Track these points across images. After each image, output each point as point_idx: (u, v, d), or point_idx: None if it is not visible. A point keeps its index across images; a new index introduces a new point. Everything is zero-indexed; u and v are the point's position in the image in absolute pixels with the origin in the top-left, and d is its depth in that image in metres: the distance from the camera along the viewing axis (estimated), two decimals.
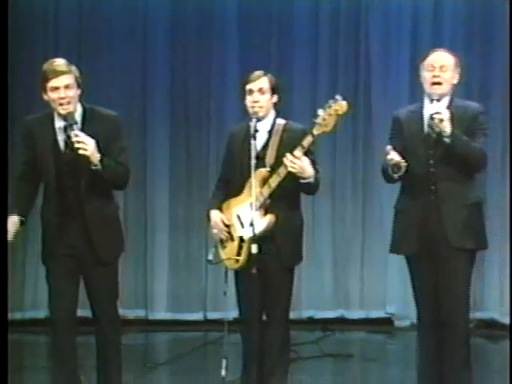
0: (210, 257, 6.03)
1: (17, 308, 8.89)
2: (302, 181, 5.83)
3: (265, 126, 5.97)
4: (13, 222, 5.62)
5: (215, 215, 6.03)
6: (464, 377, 5.85)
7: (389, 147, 5.78)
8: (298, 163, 5.78)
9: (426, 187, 5.82)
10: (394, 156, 5.74)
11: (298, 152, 5.79)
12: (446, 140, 5.76)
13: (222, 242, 6.03)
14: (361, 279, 9.02)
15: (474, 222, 5.88)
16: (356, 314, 9.04)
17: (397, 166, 5.74)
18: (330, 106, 5.82)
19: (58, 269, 5.64)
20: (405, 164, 5.74)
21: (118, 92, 8.81)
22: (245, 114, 6.02)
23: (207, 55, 9.02)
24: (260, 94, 5.94)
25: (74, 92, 5.55)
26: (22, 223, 5.64)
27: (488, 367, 7.48)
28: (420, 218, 5.84)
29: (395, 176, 5.81)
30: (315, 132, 5.82)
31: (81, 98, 5.62)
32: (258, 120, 5.93)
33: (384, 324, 8.93)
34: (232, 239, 5.98)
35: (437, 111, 5.74)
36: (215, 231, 6.03)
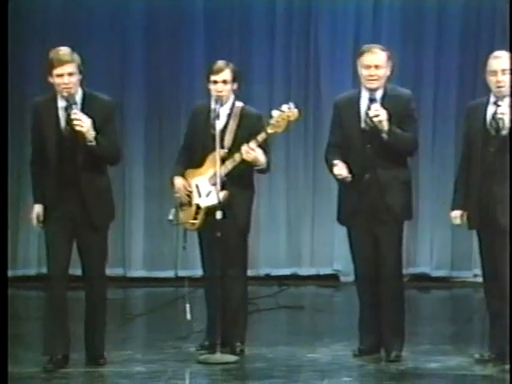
0: (171, 217, 6.13)
1: (11, 266, 8.90)
2: (255, 167, 5.98)
3: (225, 110, 6.05)
4: (36, 210, 5.73)
5: (179, 181, 6.13)
6: (399, 322, 5.95)
7: (336, 161, 5.81)
8: (253, 153, 5.92)
9: (364, 167, 5.86)
10: (341, 172, 5.80)
11: (253, 144, 5.93)
12: (384, 136, 5.81)
13: (181, 205, 6.12)
14: (311, 240, 9.09)
15: (404, 197, 5.95)
16: (307, 270, 9.11)
17: (343, 179, 5.81)
18: (283, 111, 5.93)
19: (56, 231, 5.69)
20: (350, 177, 5.80)
21: (98, 82, 8.79)
22: (208, 95, 6.09)
23: (178, 48, 9.04)
24: (223, 84, 6.02)
25: (76, 78, 5.64)
26: (45, 211, 5.71)
27: (420, 314, 7.64)
28: (357, 193, 5.88)
29: (338, 178, 5.87)
30: (269, 131, 5.96)
31: (81, 83, 5.70)
32: (221, 104, 6.02)
33: (331, 279, 9.00)
34: (190, 204, 6.09)
35: (375, 114, 5.77)
36: (179, 195, 6.13)
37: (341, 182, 5.88)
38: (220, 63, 6.05)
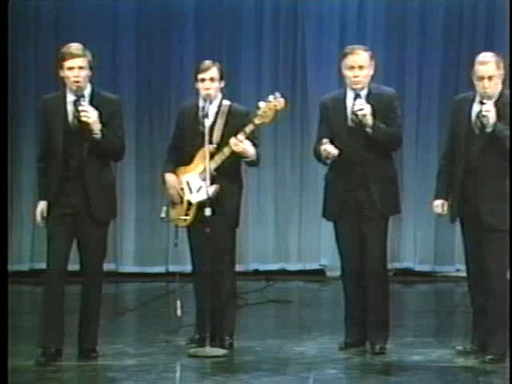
0: (163, 214, 6.10)
1: None
2: (245, 159, 5.93)
3: (213, 107, 6.02)
4: (40, 206, 5.70)
5: (171, 178, 6.09)
6: (383, 316, 5.94)
7: (325, 140, 5.80)
8: (241, 145, 5.88)
9: (351, 164, 5.86)
10: (329, 149, 5.77)
11: (241, 136, 5.88)
12: (369, 130, 5.83)
13: (172, 203, 6.10)
14: (298, 237, 9.08)
15: (390, 192, 5.95)
16: (294, 266, 9.10)
17: (331, 156, 5.78)
18: (269, 101, 5.91)
19: (58, 228, 5.66)
20: (337, 153, 5.77)
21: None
22: (196, 95, 6.06)
23: (168, 48, 9.00)
24: (211, 82, 6.00)
25: (86, 73, 5.65)
26: (48, 206, 5.67)
27: (403, 307, 7.63)
28: (345, 188, 5.89)
29: (328, 161, 5.87)
30: (256, 121, 5.93)
31: (91, 79, 5.71)
32: (209, 102, 5.99)
33: (318, 274, 9.00)
34: (181, 202, 6.05)
35: (360, 108, 5.78)
36: (170, 192, 6.08)
37: (328, 158, 5.81)
38: (207, 62, 6.05)
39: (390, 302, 5.98)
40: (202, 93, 6.01)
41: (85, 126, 5.60)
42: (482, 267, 5.72)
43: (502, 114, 5.64)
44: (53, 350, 5.67)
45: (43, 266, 5.93)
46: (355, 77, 5.83)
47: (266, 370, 5.55)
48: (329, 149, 5.78)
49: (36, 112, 8.56)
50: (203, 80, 5.99)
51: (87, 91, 5.69)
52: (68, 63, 5.60)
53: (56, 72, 5.72)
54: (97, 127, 5.59)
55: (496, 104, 5.65)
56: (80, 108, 5.58)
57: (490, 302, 5.69)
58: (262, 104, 5.91)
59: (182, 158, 6.08)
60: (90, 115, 5.57)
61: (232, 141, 5.87)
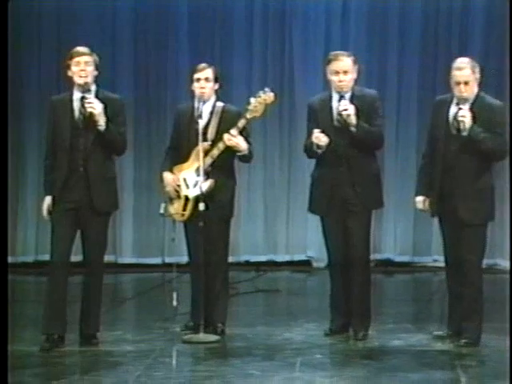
0: (162, 211, 6.10)
1: (11, 253, 8.84)
2: (238, 153, 5.95)
3: (207, 108, 6.03)
4: (46, 202, 5.71)
5: (168, 176, 6.10)
6: (366, 304, 5.97)
7: (317, 130, 5.82)
8: (234, 140, 5.90)
9: (337, 162, 5.88)
10: (320, 136, 5.79)
11: (234, 131, 5.90)
12: (353, 129, 5.85)
13: (170, 199, 6.10)
14: (286, 230, 9.06)
15: (374, 188, 5.97)
16: (282, 257, 9.08)
17: (322, 144, 5.80)
18: (259, 96, 5.92)
19: (62, 222, 5.68)
20: (325, 144, 5.80)
21: None
22: (191, 97, 6.08)
23: (164, 52, 8.99)
24: (206, 82, 6.00)
25: (92, 69, 5.69)
26: (53, 201, 5.70)
27: (384, 296, 7.66)
28: (331, 185, 5.90)
29: (319, 151, 5.88)
30: (248, 116, 5.93)
31: (96, 79, 5.74)
32: (204, 103, 6.01)
33: (304, 265, 8.98)
34: (179, 197, 6.06)
35: (344, 108, 5.80)
36: (168, 189, 6.10)
37: (319, 148, 5.83)
38: (203, 63, 6.06)
39: (371, 291, 6.01)
40: (197, 92, 6.01)
41: (90, 118, 5.62)
42: (458, 259, 5.75)
43: (479, 117, 5.67)
44: (56, 336, 5.68)
45: (47, 257, 5.94)
46: (340, 81, 5.85)
47: (256, 355, 5.56)
48: (320, 136, 5.80)
49: (40, 111, 8.60)
50: (198, 80, 5.99)
51: (93, 89, 5.71)
52: (75, 59, 5.66)
53: (63, 72, 5.77)
54: (101, 119, 5.61)
55: (472, 107, 5.69)
56: (86, 100, 5.61)
57: (466, 290, 5.72)
58: (252, 100, 5.91)
59: (179, 156, 6.09)
60: (96, 106, 5.60)
61: (226, 136, 5.89)
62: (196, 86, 6.01)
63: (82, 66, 5.65)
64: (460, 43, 8.80)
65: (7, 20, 5.34)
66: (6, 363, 4.42)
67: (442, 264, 6.06)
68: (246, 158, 6.04)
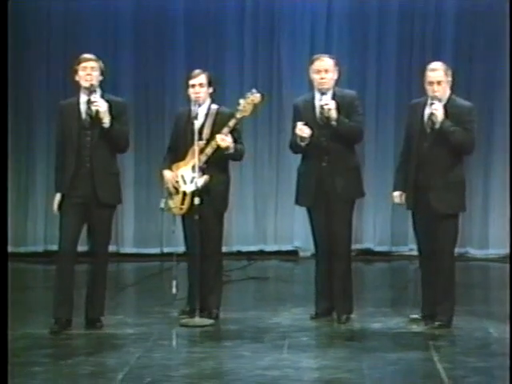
0: (162, 205, 6.10)
1: (22, 243, 8.84)
2: (225, 152, 5.93)
3: (203, 110, 6.04)
4: (56, 198, 5.71)
5: (168, 174, 6.09)
6: (348, 290, 5.98)
7: (300, 123, 5.83)
8: (227, 140, 5.90)
9: (320, 157, 5.88)
10: (304, 128, 5.79)
11: (225, 130, 5.91)
12: (334, 123, 5.87)
13: (170, 194, 6.09)
14: (275, 222, 9.03)
15: (355, 180, 5.98)
16: (271, 247, 9.04)
17: (306, 136, 5.80)
18: (248, 97, 5.93)
19: (70, 215, 5.68)
20: (309, 136, 5.80)
21: None
22: (187, 101, 6.08)
23: (162, 57, 8.96)
24: (200, 87, 6.00)
25: (97, 74, 5.70)
26: (62, 197, 5.69)
27: (364, 282, 7.67)
28: (316, 179, 5.91)
29: (303, 144, 5.87)
30: (238, 116, 5.94)
31: (101, 84, 5.75)
32: (199, 105, 6.02)
33: (292, 254, 8.95)
34: (177, 193, 6.05)
35: (326, 103, 5.82)
36: (168, 186, 6.09)
37: (302, 140, 5.82)
38: (197, 70, 6.06)
39: (353, 278, 6.02)
40: (193, 97, 6.02)
41: (96, 116, 5.63)
42: (430, 248, 5.77)
43: (450, 115, 5.70)
44: (64, 320, 5.69)
45: (55, 247, 5.96)
46: (322, 79, 5.86)
47: (247, 337, 5.56)
48: (303, 128, 5.80)
49: (48, 114, 8.58)
50: (193, 86, 5.99)
51: (98, 92, 5.71)
52: (82, 64, 5.68)
53: (70, 77, 5.78)
54: (106, 117, 5.62)
55: (445, 107, 5.72)
56: (92, 99, 5.62)
57: (439, 276, 5.74)
58: (241, 100, 5.92)
59: (177, 155, 6.08)
60: (101, 104, 5.62)
61: (218, 136, 5.90)
62: (191, 91, 6.02)
63: (89, 71, 5.66)
64: (433, 47, 8.81)
65: (7, 20, 5.30)
66: (6, 363, 4.39)
67: (417, 253, 6.07)
68: (235, 157, 6.03)
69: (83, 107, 5.71)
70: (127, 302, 7.05)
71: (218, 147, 5.91)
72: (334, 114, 5.83)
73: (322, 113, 5.88)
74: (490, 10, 8.66)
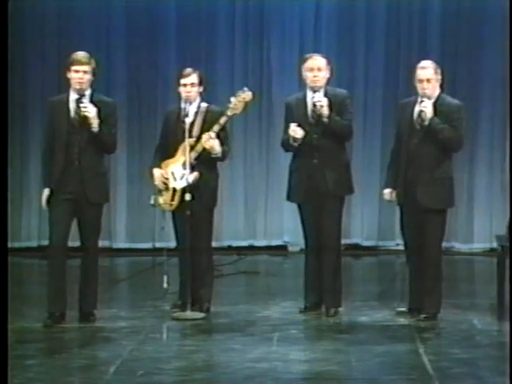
0: (152, 202, 6.10)
1: (16, 239, 8.81)
2: (212, 155, 5.91)
3: (193, 108, 6.02)
4: (45, 193, 5.68)
5: (157, 171, 6.08)
6: (336, 284, 5.99)
7: (293, 124, 5.83)
8: (211, 141, 5.86)
9: (312, 154, 5.89)
10: (297, 129, 5.80)
11: (216, 127, 5.90)
12: (325, 120, 5.88)
13: (160, 191, 6.09)
14: (265, 217, 9.02)
15: (345, 176, 5.99)
16: (261, 242, 9.03)
17: (298, 137, 5.81)
18: (239, 95, 5.92)
19: (59, 210, 5.66)
20: (302, 136, 5.81)
21: None
22: (178, 98, 6.07)
23: (154, 56, 8.95)
24: (191, 86, 5.99)
25: (89, 77, 5.66)
26: (51, 192, 5.67)
27: (353, 276, 7.67)
28: (307, 175, 5.91)
29: (295, 144, 5.88)
30: (229, 113, 5.93)
31: (92, 83, 5.71)
32: (190, 104, 6.00)
33: (281, 249, 8.96)
34: (167, 189, 6.05)
35: (318, 99, 5.83)
36: (157, 183, 6.09)
37: (295, 141, 5.82)
38: (188, 69, 6.05)
39: (341, 272, 6.03)
40: (183, 95, 6.01)
41: (84, 120, 5.61)
42: (418, 242, 5.78)
43: (439, 113, 5.71)
44: (57, 313, 5.68)
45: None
46: (315, 77, 5.87)
47: (237, 330, 5.57)
48: (296, 129, 5.81)
49: (42, 110, 8.54)
50: (185, 85, 5.98)
51: (88, 93, 5.70)
52: (75, 67, 5.63)
53: (63, 73, 5.75)
54: (95, 121, 5.59)
55: (434, 104, 5.73)
56: (82, 104, 5.60)
57: (426, 270, 5.76)
58: (232, 98, 5.91)
59: (167, 153, 6.07)
60: (90, 110, 5.59)
61: (204, 137, 5.88)
62: (182, 89, 6.00)
63: (81, 75, 5.64)
64: (419, 46, 8.83)
65: (7, 20, 5.28)
66: (6, 362, 4.38)
67: (403, 248, 6.08)
68: (219, 159, 6.01)
69: (72, 106, 5.69)
70: (120, 295, 7.04)
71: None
72: (325, 111, 5.84)
73: (313, 110, 5.89)
74: (474, 9, 8.69)
